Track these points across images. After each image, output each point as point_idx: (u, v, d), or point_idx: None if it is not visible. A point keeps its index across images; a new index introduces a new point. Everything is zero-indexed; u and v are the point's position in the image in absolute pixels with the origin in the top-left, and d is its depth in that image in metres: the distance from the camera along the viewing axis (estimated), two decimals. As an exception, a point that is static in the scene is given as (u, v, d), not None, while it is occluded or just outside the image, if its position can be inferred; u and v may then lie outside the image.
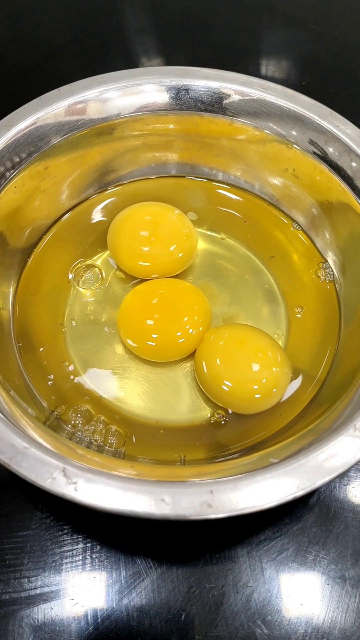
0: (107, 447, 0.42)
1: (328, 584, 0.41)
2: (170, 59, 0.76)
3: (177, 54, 0.77)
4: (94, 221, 0.53)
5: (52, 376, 0.45)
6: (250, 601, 0.40)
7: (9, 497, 0.43)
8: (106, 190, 0.54)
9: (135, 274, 0.50)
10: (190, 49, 0.78)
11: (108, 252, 0.51)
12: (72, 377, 0.45)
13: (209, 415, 0.44)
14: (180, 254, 0.49)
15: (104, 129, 0.49)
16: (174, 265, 0.49)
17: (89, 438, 0.42)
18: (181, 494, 0.32)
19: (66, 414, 0.43)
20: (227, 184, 0.55)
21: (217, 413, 0.44)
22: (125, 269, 0.50)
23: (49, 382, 0.45)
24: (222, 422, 0.44)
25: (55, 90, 0.47)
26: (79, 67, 0.74)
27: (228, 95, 0.48)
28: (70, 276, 0.50)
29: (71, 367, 0.46)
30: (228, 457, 0.41)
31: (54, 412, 0.43)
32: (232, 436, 0.43)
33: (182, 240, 0.49)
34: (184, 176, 0.56)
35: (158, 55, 0.77)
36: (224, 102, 0.49)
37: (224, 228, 0.53)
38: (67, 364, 0.46)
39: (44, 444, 0.35)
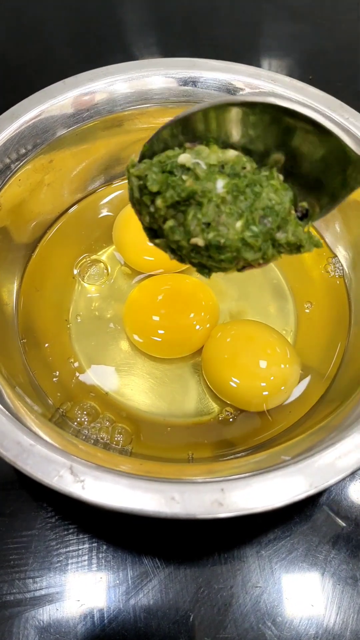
0: (113, 445, 0.41)
1: (339, 585, 0.40)
2: (173, 54, 0.75)
3: (180, 48, 0.77)
4: (99, 216, 0.52)
5: (57, 373, 0.44)
6: (260, 602, 0.39)
7: (14, 496, 0.43)
8: (112, 184, 0.53)
9: (142, 269, 0.49)
10: (193, 43, 0.77)
11: (114, 246, 0.50)
12: (77, 373, 0.45)
13: (217, 413, 0.44)
14: None
15: (109, 121, 0.48)
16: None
17: (95, 436, 0.42)
18: (191, 492, 0.31)
19: (72, 411, 0.43)
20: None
21: (226, 410, 0.43)
22: (131, 264, 0.49)
23: (54, 379, 0.44)
24: (231, 420, 0.43)
25: (60, 82, 0.46)
26: (81, 62, 0.73)
27: (236, 87, 0.47)
28: (75, 271, 0.49)
29: (76, 364, 0.45)
30: (238, 455, 0.40)
31: (60, 409, 0.42)
32: (241, 434, 0.42)
33: None
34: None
35: (160, 50, 0.76)
36: (232, 94, 0.48)
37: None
38: (72, 360, 0.45)
39: (50, 441, 0.34)
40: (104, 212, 0.52)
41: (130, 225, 0.48)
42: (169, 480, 0.32)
